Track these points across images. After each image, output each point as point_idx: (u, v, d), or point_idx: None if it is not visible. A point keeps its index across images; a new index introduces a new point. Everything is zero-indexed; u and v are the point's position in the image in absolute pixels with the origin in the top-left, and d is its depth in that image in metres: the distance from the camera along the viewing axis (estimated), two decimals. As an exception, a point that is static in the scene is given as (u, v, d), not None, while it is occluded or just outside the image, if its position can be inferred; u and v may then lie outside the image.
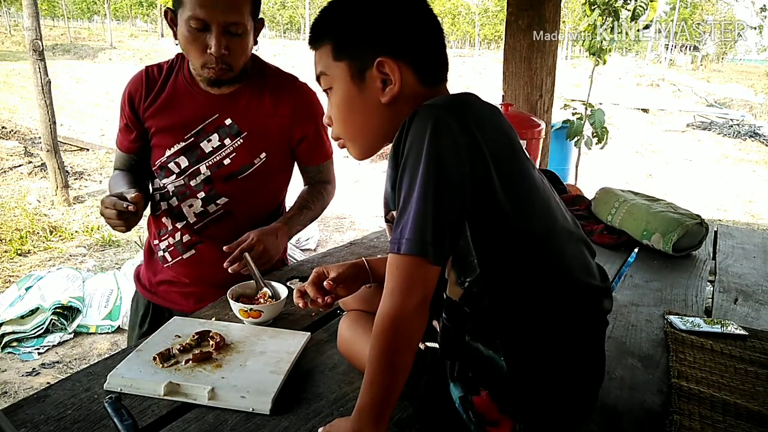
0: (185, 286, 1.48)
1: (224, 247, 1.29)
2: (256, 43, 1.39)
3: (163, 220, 1.47)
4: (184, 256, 1.45)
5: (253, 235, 1.32)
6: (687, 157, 9.99)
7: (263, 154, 1.42)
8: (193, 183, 1.40)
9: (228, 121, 1.38)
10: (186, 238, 1.44)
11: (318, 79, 0.89)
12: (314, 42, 0.87)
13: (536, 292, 0.77)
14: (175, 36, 1.31)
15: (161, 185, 1.44)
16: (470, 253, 0.75)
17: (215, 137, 1.38)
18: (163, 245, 1.48)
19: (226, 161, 1.39)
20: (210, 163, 1.39)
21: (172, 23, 1.30)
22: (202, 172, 1.39)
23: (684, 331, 1.25)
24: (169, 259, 1.47)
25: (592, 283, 0.83)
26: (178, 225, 1.44)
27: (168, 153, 1.39)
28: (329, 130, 0.94)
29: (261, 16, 1.39)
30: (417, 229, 0.71)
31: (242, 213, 1.44)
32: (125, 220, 1.21)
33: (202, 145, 1.38)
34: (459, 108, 0.77)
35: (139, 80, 1.41)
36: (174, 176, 1.41)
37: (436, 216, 0.71)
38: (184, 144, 1.38)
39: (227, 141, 1.38)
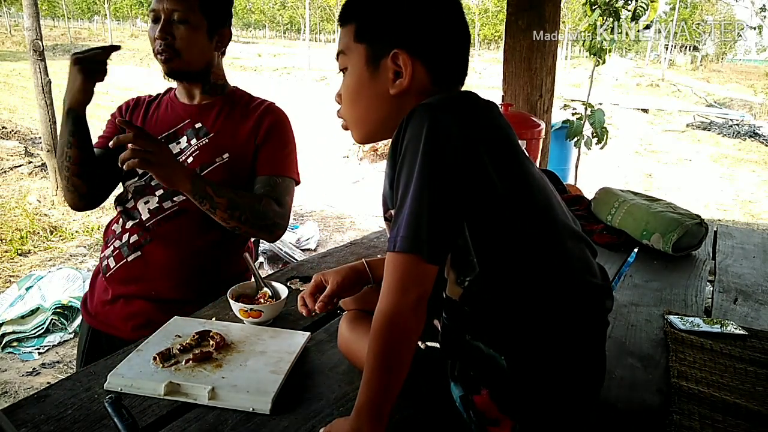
0: (126, 303, 1.39)
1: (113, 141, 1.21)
2: (219, 48, 1.45)
3: (114, 227, 1.47)
4: (129, 259, 1.39)
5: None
6: (687, 157, 9.99)
7: (226, 155, 1.42)
8: (153, 183, 1.42)
9: (198, 125, 1.45)
10: (134, 238, 1.40)
11: (338, 56, 0.90)
12: (342, 19, 0.88)
13: (536, 290, 0.77)
14: None
15: (123, 189, 1.48)
16: (469, 252, 0.75)
17: (183, 139, 1.44)
18: (108, 252, 1.44)
19: (189, 159, 1.41)
20: None
21: None
22: None
23: (684, 331, 1.25)
24: (113, 265, 1.41)
25: (592, 281, 0.83)
26: (128, 225, 1.41)
27: None
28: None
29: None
30: (412, 227, 0.71)
31: (197, 214, 1.35)
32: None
33: (170, 146, 1.42)
34: (455, 106, 0.78)
35: (130, 100, 1.56)
36: (136, 177, 1.44)
37: (431, 214, 0.71)
38: None
39: (193, 141, 1.44)
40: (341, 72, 0.90)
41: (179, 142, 1.44)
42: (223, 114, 1.46)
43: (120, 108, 1.55)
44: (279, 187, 1.43)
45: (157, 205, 1.41)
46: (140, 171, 1.41)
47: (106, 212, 5.35)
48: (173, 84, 1.49)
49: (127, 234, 1.41)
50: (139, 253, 1.39)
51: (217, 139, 1.43)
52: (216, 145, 1.42)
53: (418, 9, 0.83)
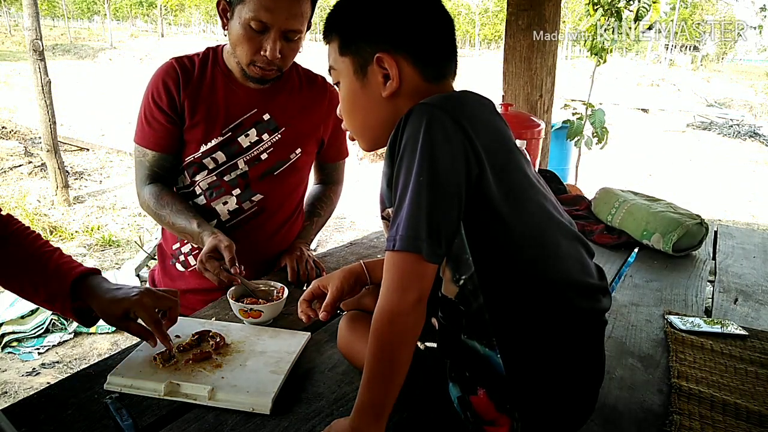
0: (210, 293, 1.38)
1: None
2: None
3: None
4: None
5: (293, 259, 1.41)
6: (687, 157, 9.98)
7: (298, 150, 1.43)
8: (227, 178, 1.37)
9: (266, 117, 1.39)
10: None
11: (329, 72, 0.91)
12: (326, 36, 0.89)
13: (531, 289, 0.77)
14: (224, 27, 1.29)
15: (188, 182, 1.40)
16: (465, 251, 0.75)
17: (253, 132, 1.38)
18: (185, 248, 1.43)
19: (264, 156, 1.39)
20: (248, 157, 1.37)
21: (224, 13, 1.28)
22: (240, 167, 1.37)
23: (684, 331, 1.25)
24: (192, 262, 1.43)
25: (587, 280, 0.83)
26: None
27: (203, 148, 1.35)
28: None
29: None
30: (411, 226, 0.71)
31: (274, 210, 1.44)
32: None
33: (239, 139, 1.37)
34: (453, 106, 0.78)
35: (173, 70, 1.33)
36: (206, 172, 1.37)
37: (430, 213, 0.71)
38: (221, 139, 1.35)
39: (265, 136, 1.39)
40: (336, 86, 0.92)
41: (248, 135, 1.36)
42: (289, 102, 1.41)
43: (166, 85, 1.32)
44: (341, 168, 1.63)
45: (237, 206, 1.39)
46: (211, 166, 1.36)
47: (105, 212, 5.36)
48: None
49: None
50: None
51: (289, 134, 1.41)
52: (289, 141, 1.41)
53: (392, 9, 0.84)
